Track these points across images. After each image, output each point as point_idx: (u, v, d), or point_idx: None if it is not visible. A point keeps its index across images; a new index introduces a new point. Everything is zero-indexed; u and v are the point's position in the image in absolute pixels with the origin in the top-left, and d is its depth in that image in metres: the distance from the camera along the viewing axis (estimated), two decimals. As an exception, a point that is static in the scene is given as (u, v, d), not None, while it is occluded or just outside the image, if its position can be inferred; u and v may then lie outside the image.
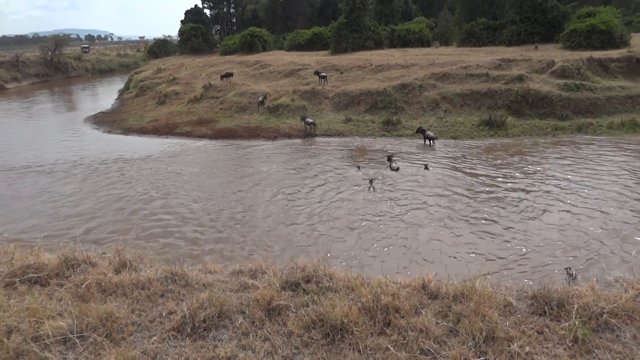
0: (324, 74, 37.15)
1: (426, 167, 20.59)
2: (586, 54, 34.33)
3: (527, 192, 17.59)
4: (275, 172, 21.33)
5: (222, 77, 41.18)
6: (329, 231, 14.68)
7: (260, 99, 36.01)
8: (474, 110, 30.62)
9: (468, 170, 20.22)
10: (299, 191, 18.58)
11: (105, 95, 54.49)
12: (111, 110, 40.82)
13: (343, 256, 13.05)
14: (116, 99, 48.25)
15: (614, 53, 34.39)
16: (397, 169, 20.29)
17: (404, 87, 33.18)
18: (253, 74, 42.75)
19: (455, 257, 12.80)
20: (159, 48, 78.77)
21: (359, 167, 21.11)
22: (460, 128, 28.18)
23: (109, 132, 31.82)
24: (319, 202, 17.17)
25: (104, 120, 35.64)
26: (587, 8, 44.25)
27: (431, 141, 25.27)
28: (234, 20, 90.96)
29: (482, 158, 22.61)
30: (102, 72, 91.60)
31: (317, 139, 28.25)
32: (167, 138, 29.83)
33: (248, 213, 16.38)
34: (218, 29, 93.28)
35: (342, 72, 39.57)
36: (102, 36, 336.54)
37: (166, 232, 14.77)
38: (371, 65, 39.28)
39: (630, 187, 17.50)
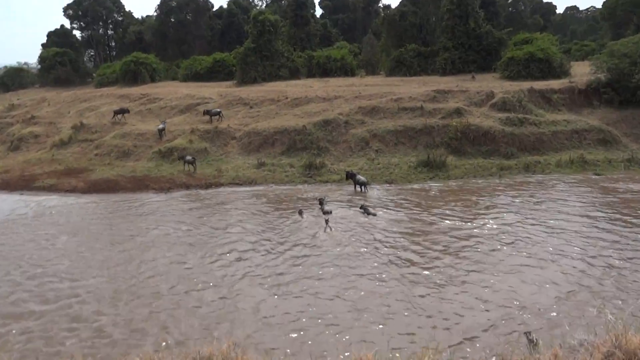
0: (217, 111, 38.01)
1: (365, 210, 21.94)
2: (526, 84, 37.71)
3: (479, 241, 18.55)
4: (172, 236, 20.79)
5: (115, 113, 40.52)
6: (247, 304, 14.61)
7: (160, 126, 36.29)
8: (410, 150, 32.20)
9: (407, 225, 21.12)
10: (201, 259, 18.15)
11: None
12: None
13: (267, 337, 12.83)
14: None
15: (555, 83, 38.11)
16: (330, 212, 21.71)
17: (327, 123, 34.29)
18: (139, 110, 42.37)
19: (402, 327, 12.95)
20: (12, 78, 75.81)
21: (301, 212, 22.53)
22: (396, 170, 29.68)
23: None
24: (227, 270, 17.03)
25: None
26: (523, 34, 49.41)
27: (362, 187, 26.27)
28: (113, 44, 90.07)
29: (424, 205, 23.46)
30: None
31: (224, 188, 28.51)
32: (22, 195, 28.51)
33: (138, 292, 15.65)
34: (92, 55, 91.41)
35: (251, 107, 40.11)
36: None
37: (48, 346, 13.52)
38: (286, 98, 40.18)
39: (590, 236, 18.84)
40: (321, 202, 22.80)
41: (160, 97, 44.22)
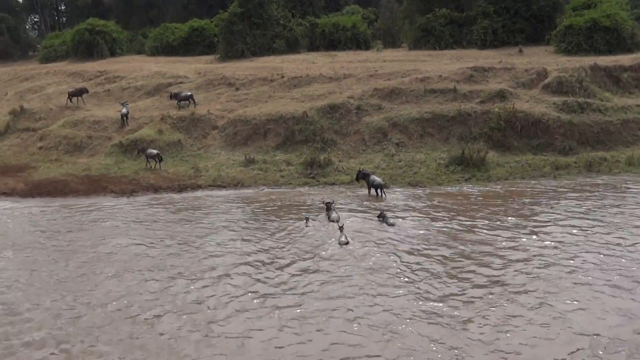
0: (187, 94, 37.94)
1: (383, 218, 21.89)
2: (588, 60, 37.34)
3: (537, 263, 17.88)
4: (138, 252, 20.20)
5: (70, 96, 40.42)
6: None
7: (123, 110, 36.32)
8: (439, 143, 32.01)
9: (440, 240, 20.42)
10: (176, 281, 17.73)
11: None
12: None
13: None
14: None
15: (625, 59, 37.80)
16: (338, 220, 21.86)
17: (334, 109, 34.06)
18: (95, 91, 42.28)
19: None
20: None
21: (307, 219, 22.49)
22: (422, 170, 29.37)
23: None
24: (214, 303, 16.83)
25: None
26: (584, -4, 49.67)
27: (379, 190, 26.03)
28: (63, 7, 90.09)
29: (461, 220, 22.46)
30: None
31: (202, 192, 28.29)
32: (-60, 199, 28.80)
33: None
34: (36, 22, 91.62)
35: (237, 89, 40.16)
36: None
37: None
38: (282, 77, 40.17)
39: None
40: (329, 206, 22.95)
41: (122, 76, 44.24)
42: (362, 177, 26.86)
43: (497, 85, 34.68)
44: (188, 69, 44.72)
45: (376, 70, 38.63)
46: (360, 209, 24.63)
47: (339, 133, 32.99)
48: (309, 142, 32.39)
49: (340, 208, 24.12)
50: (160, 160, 31.47)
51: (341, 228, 20.82)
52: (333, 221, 21.94)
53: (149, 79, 42.79)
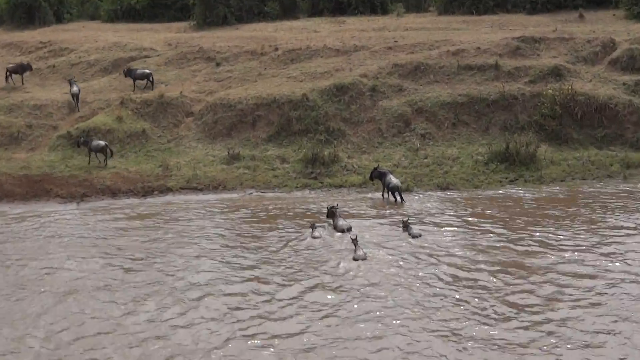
0: (146, 72, 37.59)
1: (406, 227, 21.82)
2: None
3: (609, 283, 16.89)
4: (95, 275, 19.52)
5: (9, 73, 39.34)
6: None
7: (74, 89, 35.93)
8: (477, 134, 31.96)
9: (482, 254, 19.99)
10: (150, 312, 17.07)
11: None
12: None
13: None
14: None
15: None
16: (348, 229, 21.90)
17: (343, 91, 33.91)
18: (37, 67, 41.78)
19: None
20: None
21: (314, 227, 22.27)
22: (454, 168, 29.31)
23: None
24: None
25: None
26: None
27: (396, 194, 26.06)
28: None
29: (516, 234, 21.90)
30: None
31: (173, 196, 28.27)
32: None
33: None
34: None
35: (218, 64, 39.72)
36: None
37: None
38: (276, 49, 40.46)
39: None
40: (332, 212, 23.07)
41: (70, 48, 44.01)
42: (377, 176, 26.85)
43: (550, 60, 34.52)
44: (155, 39, 44.59)
45: (396, 41, 38.82)
46: (374, 214, 24.59)
47: (349, 121, 32.83)
48: (310, 132, 32.17)
49: (350, 215, 23.95)
50: (111, 154, 31.24)
51: (355, 240, 20.53)
52: (342, 231, 22.04)
53: (105, 52, 42.64)
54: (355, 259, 19.73)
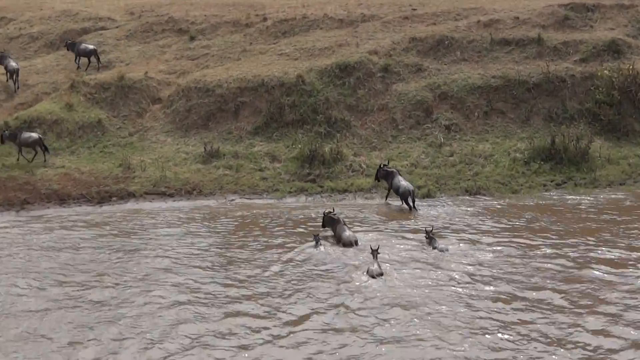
0: (89, 48, 36.66)
1: (430, 239, 21.25)
2: None
3: None
4: (40, 306, 18.23)
5: None
6: None
7: (12, 64, 35.27)
8: (515, 126, 31.07)
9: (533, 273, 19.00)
10: None
11: None
12: None
13: None
14: None
15: None
16: (355, 242, 21.63)
17: (347, 72, 33.12)
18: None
19: None
20: None
21: (317, 239, 21.67)
22: (486, 169, 28.51)
23: None
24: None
25: None
26: None
27: (408, 199, 25.49)
28: None
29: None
30: None
31: (136, 203, 27.51)
32: None
33: None
34: None
35: (193, 38, 39.41)
36: None
37: None
38: (264, 19, 39.71)
39: None
40: (331, 220, 22.41)
41: (8, 17, 44.40)
42: (383, 176, 26.42)
43: (606, 33, 33.62)
44: (114, 6, 43.84)
45: (414, 10, 37.73)
46: (389, 225, 23.82)
47: (355, 109, 31.98)
48: (307, 124, 31.42)
49: (358, 225, 23.37)
50: (45, 150, 30.45)
51: (375, 252, 19.93)
52: (348, 243, 21.41)
53: (51, 22, 42.09)
54: (370, 275, 19.24)
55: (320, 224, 23.04)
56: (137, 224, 25.14)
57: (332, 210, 22.70)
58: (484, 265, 19.79)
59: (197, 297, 18.65)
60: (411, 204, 25.31)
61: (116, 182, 28.70)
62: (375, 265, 19.24)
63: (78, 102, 33.52)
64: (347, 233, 21.51)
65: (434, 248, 20.75)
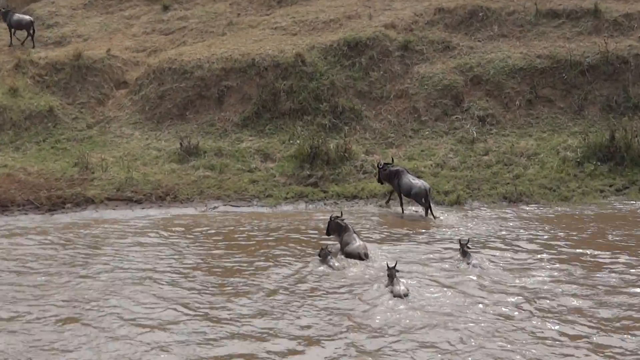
0: (25, 19, 37.71)
1: (464, 253, 20.70)
2: None
3: None
4: None
5: None
6: None
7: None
8: (565, 118, 30.83)
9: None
10: None
11: None
12: None
13: None
14: None
15: None
16: (364, 253, 21.36)
17: (357, 50, 33.09)
18: None
19: None
20: None
21: (326, 254, 20.94)
22: (530, 170, 27.88)
23: None
24: None
25: None
26: None
27: (423, 200, 25.35)
28: None
29: None
30: None
31: (94, 211, 26.97)
32: None
33: None
34: None
35: (166, 7, 40.08)
36: None
37: None
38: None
39: None
40: (337, 226, 21.64)
41: None
42: (386, 177, 26.19)
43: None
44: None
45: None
46: (412, 235, 23.26)
47: (367, 97, 31.43)
48: (307, 114, 31.00)
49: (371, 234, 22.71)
50: None
51: (392, 270, 19.35)
52: (356, 255, 20.68)
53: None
54: (395, 295, 18.79)
55: (325, 230, 22.17)
56: (96, 237, 24.13)
57: (340, 215, 21.92)
58: (539, 293, 18.46)
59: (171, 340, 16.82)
60: (429, 205, 25.16)
61: (71, 186, 27.94)
62: (401, 286, 18.70)
63: (24, 86, 32.74)
64: (357, 243, 20.87)
65: (468, 264, 20.16)
